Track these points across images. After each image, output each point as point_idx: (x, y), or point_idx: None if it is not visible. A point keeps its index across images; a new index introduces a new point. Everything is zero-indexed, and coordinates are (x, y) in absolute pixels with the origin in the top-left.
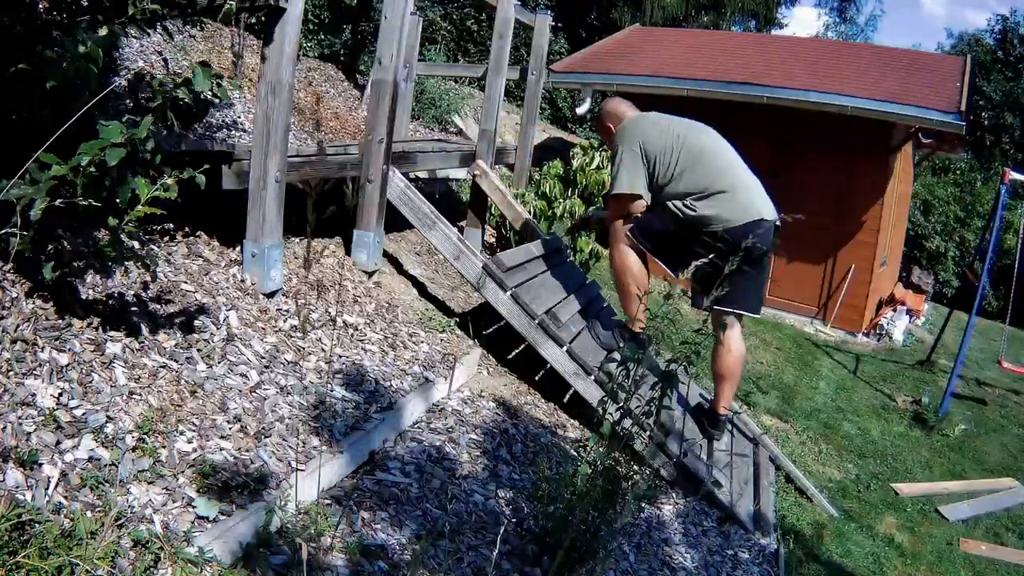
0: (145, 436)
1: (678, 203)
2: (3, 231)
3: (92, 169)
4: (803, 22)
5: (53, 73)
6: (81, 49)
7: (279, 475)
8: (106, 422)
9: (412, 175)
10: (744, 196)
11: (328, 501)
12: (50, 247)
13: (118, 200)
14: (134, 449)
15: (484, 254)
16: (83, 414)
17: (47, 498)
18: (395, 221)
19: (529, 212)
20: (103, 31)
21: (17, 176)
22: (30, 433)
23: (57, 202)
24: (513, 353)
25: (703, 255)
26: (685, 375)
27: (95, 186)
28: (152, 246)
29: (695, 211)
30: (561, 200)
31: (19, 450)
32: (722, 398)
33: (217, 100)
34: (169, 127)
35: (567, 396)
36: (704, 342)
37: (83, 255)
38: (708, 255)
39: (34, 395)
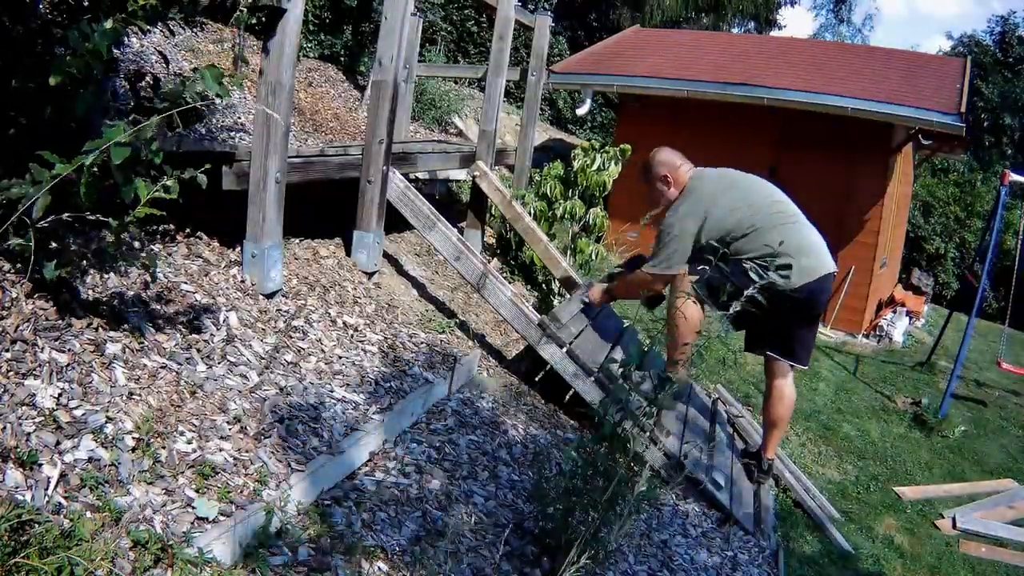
0: (145, 437)
1: (754, 268)
2: (5, 231)
3: (95, 169)
4: (801, 23)
5: (56, 70)
6: (86, 45)
7: (279, 476)
8: (106, 422)
9: (412, 176)
10: (806, 261)
11: (328, 502)
12: (52, 246)
13: (119, 200)
14: (134, 450)
15: (484, 255)
16: (83, 414)
17: (47, 498)
18: (395, 222)
19: (529, 213)
20: (108, 23)
21: (24, 177)
22: (30, 433)
23: (60, 209)
24: (514, 355)
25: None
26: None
27: (98, 186)
28: (152, 246)
29: (765, 278)
30: (561, 201)
31: (19, 450)
32: (771, 444)
33: (219, 99)
34: (173, 128)
35: (567, 397)
36: (704, 343)
37: (84, 255)
38: (775, 308)
39: (34, 395)
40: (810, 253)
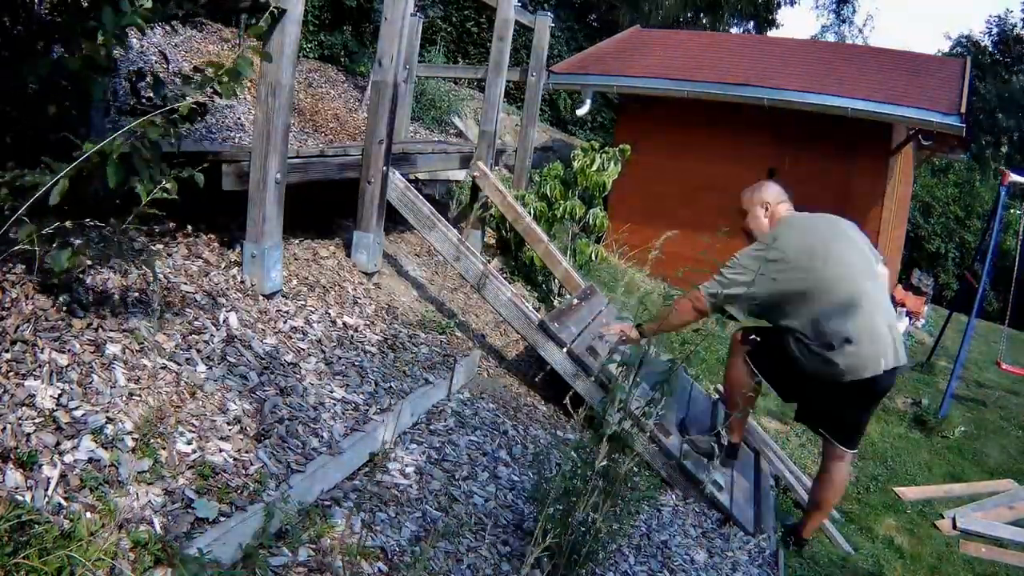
0: (145, 437)
1: (801, 341)
2: (13, 223)
3: (94, 167)
4: (802, 23)
5: (69, 61)
6: (100, 38)
7: (279, 476)
8: (106, 423)
9: (412, 176)
10: (869, 348)
11: (328, 502)
12: (56, 242)
13: (119, 201)
14: (134, 450)
15: (484, 255)
16: (83, 415)
17: (47, 499)
18: (395, 222)
19: (529, 213)
20: (148, 2)
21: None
22: (30, 434)
23: (72, 201)
24: (514, 355)
25: (820, 389)
26: (686, 376)
27: (101, 186)
28: (152, 246)
29: (819, 357)
30: (561, 201)
31: (19, 451)
32: (810, 525)
33: (219, 98)
34: (177, 126)
35: (567, 397)
36: (704, 342)
37: (86, 255)
38: (825, 389)
39: (34, 396)
40: (867, 344)
